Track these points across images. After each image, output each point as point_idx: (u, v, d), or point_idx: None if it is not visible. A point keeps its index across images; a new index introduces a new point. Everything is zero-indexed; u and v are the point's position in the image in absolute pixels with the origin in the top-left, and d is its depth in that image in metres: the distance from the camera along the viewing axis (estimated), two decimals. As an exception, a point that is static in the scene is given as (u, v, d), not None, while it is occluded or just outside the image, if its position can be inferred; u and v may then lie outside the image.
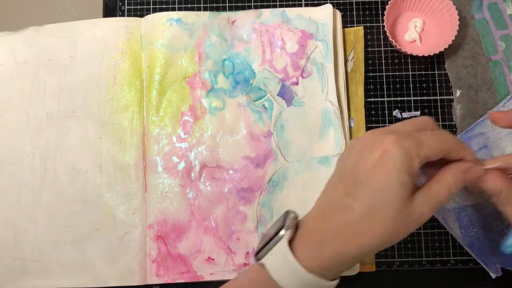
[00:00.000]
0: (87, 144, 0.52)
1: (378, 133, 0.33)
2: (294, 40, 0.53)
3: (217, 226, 0.50)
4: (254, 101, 0.53)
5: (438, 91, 0.54)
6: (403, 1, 0.53)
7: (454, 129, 0.53)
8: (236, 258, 0.50)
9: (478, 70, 0.54)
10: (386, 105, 0.54)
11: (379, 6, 0.56)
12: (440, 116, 0.53)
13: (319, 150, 0.51)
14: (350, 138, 0.52)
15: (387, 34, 0.52)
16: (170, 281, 0.49)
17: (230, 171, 0.51)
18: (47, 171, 0.52)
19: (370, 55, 0.55)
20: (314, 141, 0.51)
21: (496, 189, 0.34)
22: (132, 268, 0.50)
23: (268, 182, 0.51)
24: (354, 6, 0.56)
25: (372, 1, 0.56)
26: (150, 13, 0.56)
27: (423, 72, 0.54)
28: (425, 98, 0.54)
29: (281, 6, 0.56)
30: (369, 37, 0.55)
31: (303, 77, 0.53)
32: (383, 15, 0.54)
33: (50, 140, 0.52)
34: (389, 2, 0.52)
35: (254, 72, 0.53)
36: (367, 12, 0.56)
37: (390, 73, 0.54)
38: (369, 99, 0.54)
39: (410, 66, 0.55)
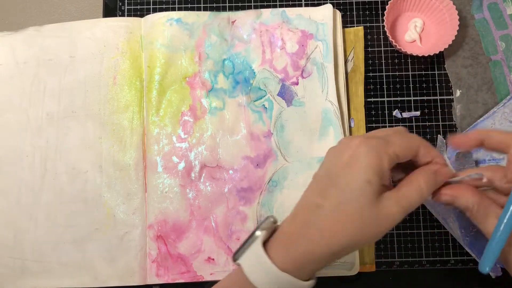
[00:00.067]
0: (87, 144, 0.52)
1: (349, 138, 0.34)
2: (294, 40, 0.53)
3: (217, 226, 0.50)
4: (254, 101, 0.53)
5: (438, 91, 0.54)
6: (403, 1, 0.53)
7: (454, 129, 0.53)
8: (236, 258, 0.50)
9: (478, 70, 0.54)
10: (386, 105, 0.54)
11: (379, 6, 0.56)
12: (440, 116, 0.53)
13: (319, 150, 0.51)
14: (350, 138, 0.52)
15: (387, 34, 0.52)
16: (170, 281, 0.49)
17: (230, 171, 0.51)
18: (47, 171, 0.52)
19: (370, 55, 0.55)
20: (314, 141, 0.51)
21: (468, 205, 0.34)
22: (132, 268, 0.50)
23: (268, 182, 0.51)
24: (354, 6, 0.56)
25: (372, 1, 0.56)
26: (150, 13, 0.56)
27: (423, 72, 0.54)
28: (425, 98, 0.54)
29: (281, 6, 0.56)
30: (369, 37, 0.55)
31: (303, 77, 0.53)
32: (383, 15, 0.54)
33: (50, 140, 0.52)
34: (389, 2, 0.52)
35: (254, 72, 0.53)
36: (367, 12, 0.56)
37: (390, 73, 0.54)
38: (369, 99, 0.54)
39: (410, 66, 0.55)
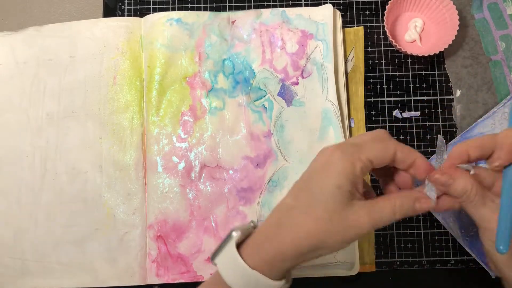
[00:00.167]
0: (87, 144, 0.52)
1: (326, 147, 0.35)
2: (294, 40, 0.53)
3: (217, 226, 0.50)
4: (254, 101, 0.53)
5: (438, 91, 0.54)
6: (403, 1, 0.53)
7: (454, 129, 0.53)
8: (236, 258, 0.50)
9: (478, 70, 0.54)
10: (386, 105, 0.54)
11: (379, 6, 0.56)
12: (440, 116, 0.53)
13: (319, 150, 0.51)
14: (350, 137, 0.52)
15: (387, 34, 0.52)
16: (170, 281, 0.49)
17: (230, 171, 0.51)
18: (47, 171, 0.52)
19: (370, 55, 0.55)
20: (314, 141, 0.51)
21: (466, 188, 0.33)
22: (132, 268, 0.50)
23: (268, 182, 0.51)
24: (354, 6, 0.56)
25: (372, 1, 0.56)
26: (150, 13, 0.56)
27: (423, 72, 0.54)
28: (425, 98, 0.54)
29: (281, 6, 0.56)
30: (369, 37, 0.55)
31: (303, 77, 0.53)
32: (383, 15, 0.54)
33: (50, 140, 0.52)
34: (389, 2, 0.52)
35: (254, 72, 0.53)
36: (367, 12, 0.56)
37: (390, 73, 0.54)
38: (369, 99, 0.54)
39: (410, 66, 0.55)
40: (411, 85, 0.54)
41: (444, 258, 0.51)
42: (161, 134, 0.52)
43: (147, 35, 0.54)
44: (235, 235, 0.35)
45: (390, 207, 0.33)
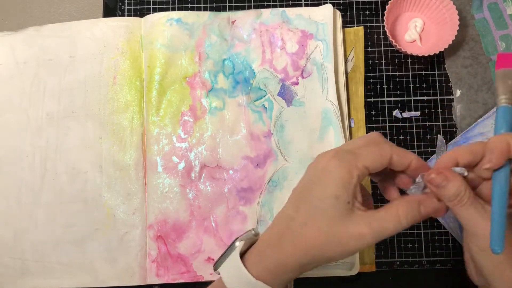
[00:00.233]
0: (87, 144, 0.52)
1: (323, 153, 0.34)
2: (294, 40, 0.53)
3: (217, 226, 0.50)
4: (254, 101, 0.53)
5: (438, 91, 0.54)
6: (403, 1, 0.53)
7: (454, 129, 0.53)
8: (236, 258, 0.50)
9: (478, 70, 0.54)
10: (386, 105, 0.54)
11: (379, 6, 0.56)
12: (440, 116, 0.53)
13: (319, 150, 0.50)
14: (350, 138, 0.52)
15: (387, 34, 0.52)
16: (170, 281, 0.49)
17: (230, 171, 0.51)
18: (47, 171, 0.52)
19: (370, 55, 0.55)
20: (314, 141, 0.51)
21: (460, 190, 0.32)
22: (132, 268, 0.50)
23: (268, 182, 0.51)
24: (354, 6, 0.56)
25: (372, 1, 0.56)
26: (150, 13, 0.56)
27: (423, 72, 0.54)
28: (425, 98, 0.54)
29: (281, 6, 0.56)
30: (369, 37, 0.55)
31: (303, 77, 0.53)
32: (383, 15, 0.54)
33: (50, 140, 0.52)
34: (389, 2, 0.52)
35: (254, 72, 0.53)
36: (367, 12, 0.56)
37: (390, 73, 0.54)
38: (369, 99, 0.54)
39: (410, 66, 0.55)
40: (411, 85, 0.54)
41: (444, 258, 0.51)
42: (161, 134, 0.52)
43: (147, 35, 0.54)
44: (239, 244, 0.35)
45: (394, 216, 0.32)
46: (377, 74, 0.55)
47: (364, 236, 0.32)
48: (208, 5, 0.56)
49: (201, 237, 0.50)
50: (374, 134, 0.35)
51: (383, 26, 0.54)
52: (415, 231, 0.51)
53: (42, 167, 0.52)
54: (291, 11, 0.54)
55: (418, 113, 0.53)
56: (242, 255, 0.35)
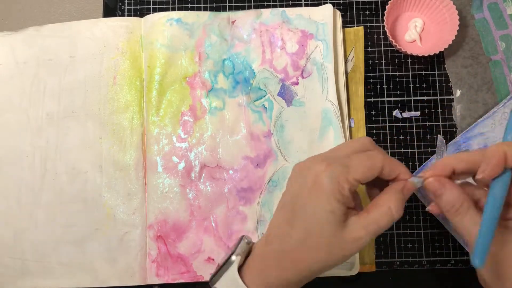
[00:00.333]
0: (87, 144, 0.52)
1: (314, 160, 0.35)
2: (294, 40, 0.53)
3: (217, 226, 0.50)
4: (254, 101, 0.53)
5: (438, 91, 0.54)
6: (403, 1, 0.53)
7: (454, 129, 0.53)
8: (236, 258, 0.50)
9: (478, 70, 0.54)
10: (386, 105, 0.54)
11: (379, 6, 0.56)
12: (440, 116, 0.53)
13: (319, 150, 0.51)
14: (350, 138, 0.52)
15: (387, 34, 0.52)
16: (170, 281, 0.49)
17: (230, 171, 0.51)
18: (47, 171, 0.52)
19: (370, 55, 0.55)
20: (314, 141, 0.51)
21: (455, 202, 0.33)
22: (132, 268, 0.50)
23: (268, 182, 0.51)
24: (354, 6, 0.56)
25: (372, 1, 0.56)
26: (150, 13, 0.56)
27: (423, 72, 0.54)
28: (425, 98, 0.54)
29: (281, 6, 0.56)
30: (369, 37, 0.55)
31: (303, 77, 0.53)
32: (383, 15, 0.54)
33: (50, 140, 0.52)
34: (389, 2, 0.52)
35: (254, 72, 0.53)
36: (367, 12, 0.56)
37: (390, 73, 0.54)
38: (369, 99, 0.54)
39: (410, 66, 0.55)
40: (411, 85, 0.54)
41: (444, 258, 0.51)
42: (161, 134, 0.52)
43: (147, 35, 0.54)
44: (236, 259, 0.35)
45: (386, 213, 0.33)
46: (377, 74, 0.55)
47: (361, 239, 0.33)
48: (208, 5, 0.56)
49: (201, 237, 0.50)
50: (366, 140, 0.36)
51: (383, 26, 0.54)
52: (415, 231, 0.51)
53: (42, 167, 0.52)
54: (291, 11, 0.54)
55: (418, 113, 0.53)
56: (239, 269, 0.35)
